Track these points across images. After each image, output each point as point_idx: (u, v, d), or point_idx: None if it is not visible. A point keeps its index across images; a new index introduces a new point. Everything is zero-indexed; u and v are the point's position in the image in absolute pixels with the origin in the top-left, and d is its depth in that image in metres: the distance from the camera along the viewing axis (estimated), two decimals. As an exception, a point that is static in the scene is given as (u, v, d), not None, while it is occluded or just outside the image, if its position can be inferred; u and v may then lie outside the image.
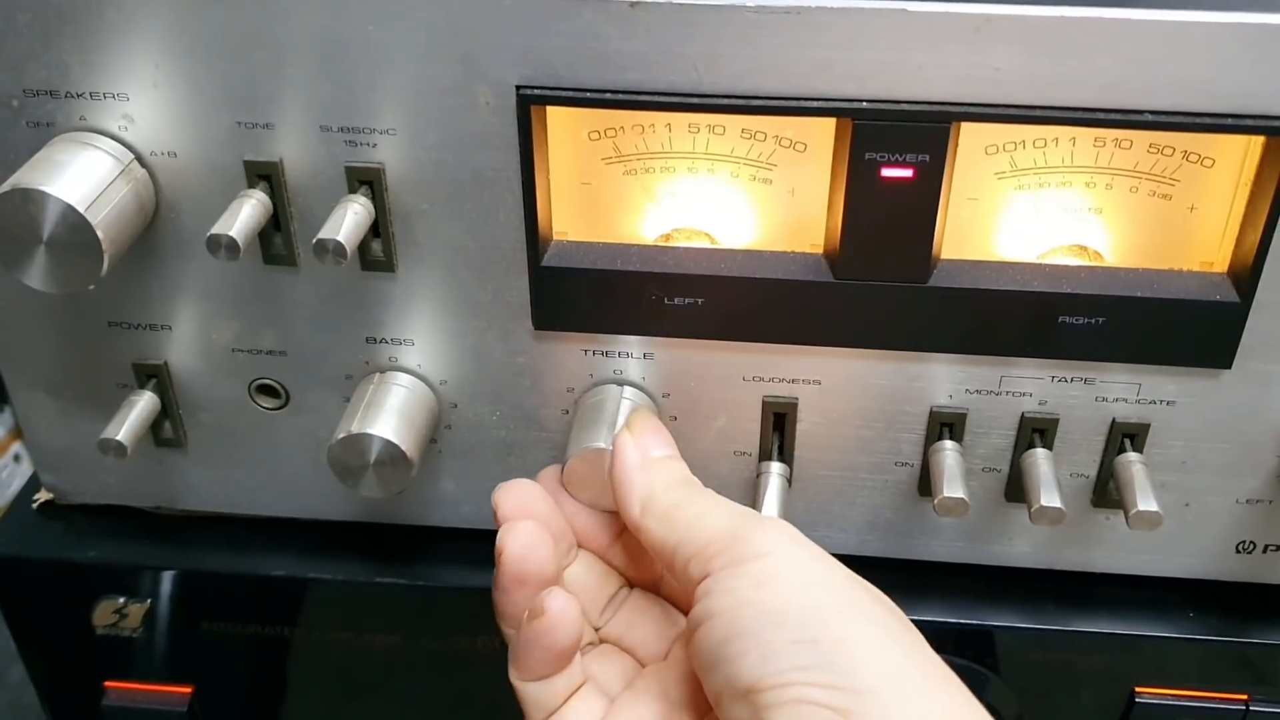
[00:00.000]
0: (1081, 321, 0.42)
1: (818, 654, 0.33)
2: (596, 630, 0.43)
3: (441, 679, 0.53)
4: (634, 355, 0.45)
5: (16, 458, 1.22)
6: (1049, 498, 0.42)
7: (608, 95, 0.39)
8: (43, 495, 0.53)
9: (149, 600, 0.52)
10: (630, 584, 0.44)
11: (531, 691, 0.40)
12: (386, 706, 0.54)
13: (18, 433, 1.22)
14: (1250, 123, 0.38)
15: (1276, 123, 0.38)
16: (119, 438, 0.45)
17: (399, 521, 0.51)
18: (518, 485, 0.42)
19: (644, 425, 0.42)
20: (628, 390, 0.45)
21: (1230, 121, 0.38)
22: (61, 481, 0.52)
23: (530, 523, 0.40)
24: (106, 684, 0.55)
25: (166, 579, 0.51)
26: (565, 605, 0.39)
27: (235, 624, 0.52)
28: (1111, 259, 0.43)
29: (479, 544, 0.50)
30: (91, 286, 0.41)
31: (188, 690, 0.55)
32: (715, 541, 0.37)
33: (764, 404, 0.46)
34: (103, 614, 0.52)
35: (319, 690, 0.55)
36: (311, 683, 0.54)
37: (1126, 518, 0.43)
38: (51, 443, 0.50)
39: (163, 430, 0.49)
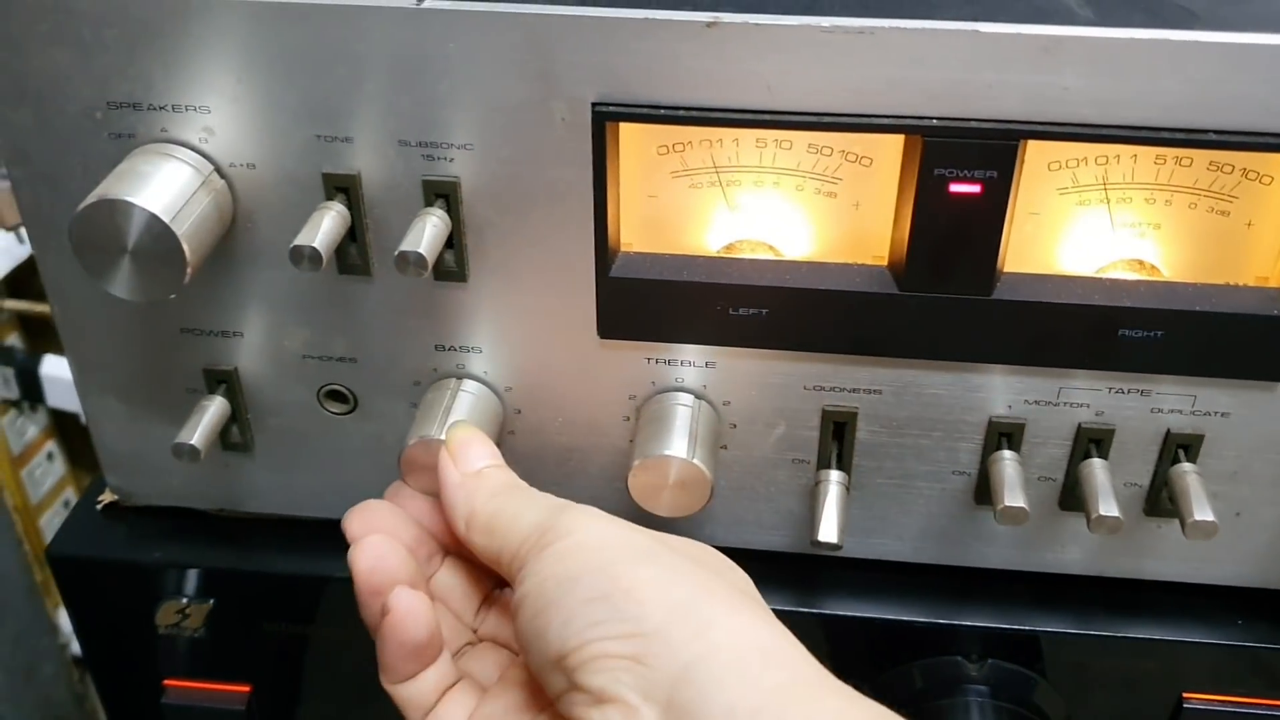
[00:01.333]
0: (1140, 334, 0.43)
1: (609, 607, 0.34)
2: (475, 631, 0.44)
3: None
4: (695, 364, 0.46)
5: (50, 455, 1.23)
6: (1107, 507, 0.43)
7: (681, 112, 0.40)
8: (107, 497, 0.54)
9: (211, 601, 0.53)
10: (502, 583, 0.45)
11: (403, 693, 0.41)
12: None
13: (52, 430, 1.23)
14: (1312, 142, 0.39)
15: (1337, 142, 0.39)
16: (193, 442, 0.46)
17: (459, 525, 0.52)
18: (363, 507, 0.43)
19: (461, 439, 0.43)
20: (688, 397, 0.46)
21: (1291, 139, 0.39)
22: (127, 483, 0.53)
23: (377, 536, 0.41)
24: (166, 682, 0.56)
25: (230, 580, 0.52)
26: (411, 601, 0.39)
27: (295, 624, 0.53)
28: (1169, 274, 0.44)
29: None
30: (173, 295, 0.42)
31: (246, 689, 0.55)
32: (529, 537, 0.38)
33: (824, 413, 0.47)
34: (165, 614, 0.53)
35: (374, 690, 0.56)
36: (367, 683, 0.55)
37: (1183, 527, 0.43)
38: (120, 445, 0.51)
39: (230, 434, 0.50)
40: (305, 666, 0.55)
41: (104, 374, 0.49)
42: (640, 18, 0.39)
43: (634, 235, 0.45)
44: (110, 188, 0.40)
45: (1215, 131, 0.39)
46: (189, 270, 0.41)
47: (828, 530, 0.46)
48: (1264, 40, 0.38)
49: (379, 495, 0.50)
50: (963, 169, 0.40)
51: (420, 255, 0.40)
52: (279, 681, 0.55)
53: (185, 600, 0.53)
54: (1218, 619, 0.50)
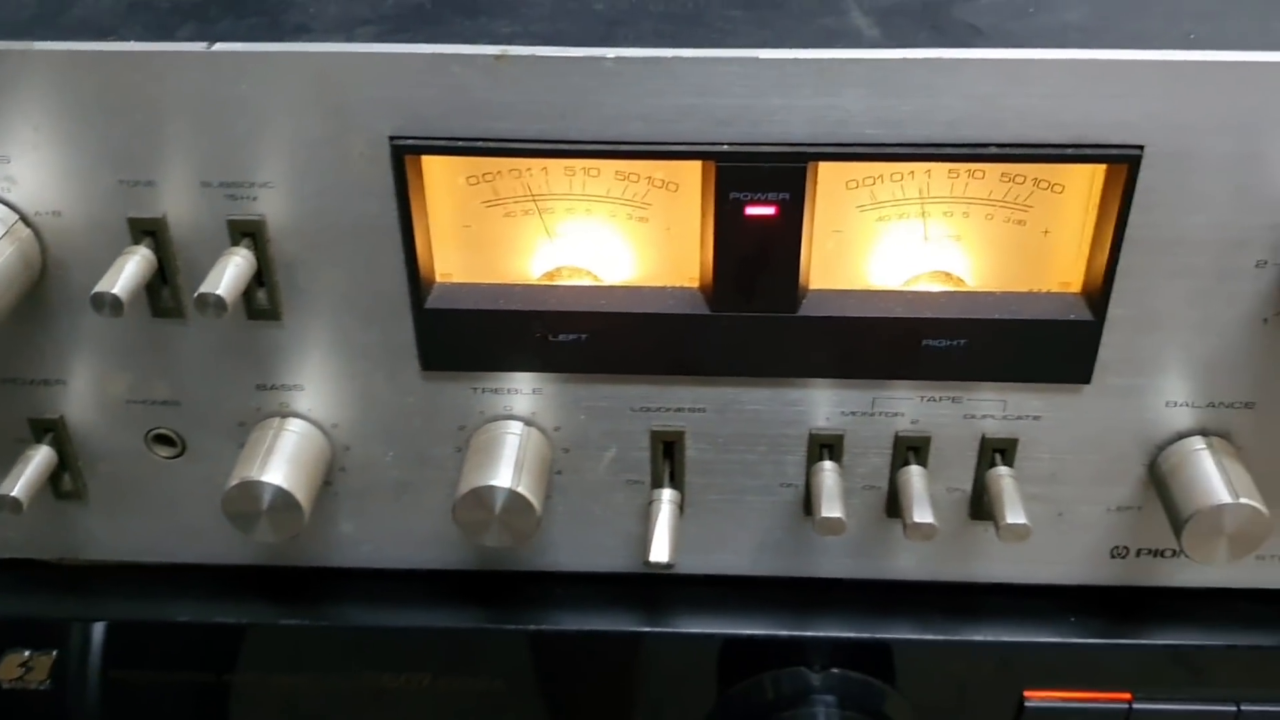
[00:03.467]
0: (944, 344, 0.44)
1: None
2: None
3: (349, 716, 0.53)
4: (523, 391, 0.47)
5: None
6: (921, 514, 0.44)
7: (479, 144, 0.41)
8: (-56, 552, 0.53)
9: (55, 651, 0.52)
10: None
11: None
12: (299, 746, 0.55)
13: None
14: (1089, 151, 0.40)
15: (1113, 151, 0.40)
16: (14, 494, 0.46)
17: (300, 564, 0.52)
18: None
19: None
20: (517, 425, 0.47)
21: (1071, 151, 0.40)
22: (-38, 537, 0.52)
23: None
24: (16, 739, 0.55)
25: (72, 629, 0.52)
26: None
27: (143, 671, 0.53)
28: (974, 283, 0.45)
29: (380, 583, 0.52)
30: (-22, 345, 0.41)
31: (98, 740, 0.55)
32: None
33: (652, 433, 0.47)
34: (8, 667, 0.52)
35: (231, 733, 0.55)
36: (223, 726, 0.55)
37: (997, 530, 0.44)
38: (-50, 499, 0.50)
39: (62, 482, 0.49)
40: (157, 714, 0.54)
41: (-73, 427, 0.48)
42: (429, 52, 0.39)
43: (452, 265, 0.45)
44: (-98, 241, 0.40)
45: (997, 145, 0.40)
46: (-6, 318, 0.41)
47: (659, 551, 0.46)
48: (1040, 55, 0.39)
49: (214, 538, 0.51)
50: (756, 192, 0.41)
51: (219, 297, 0.40)
52: (132, 730, 0.55)
53: (28, 653, 0.52)
54: (1051, 618, 0.51)
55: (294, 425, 0.47)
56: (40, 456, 0.47)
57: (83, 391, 0.47)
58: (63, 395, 0.47)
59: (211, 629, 0.51)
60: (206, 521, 0.50)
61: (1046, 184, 0.43)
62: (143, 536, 0.51)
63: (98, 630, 0.52)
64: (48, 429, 0.48)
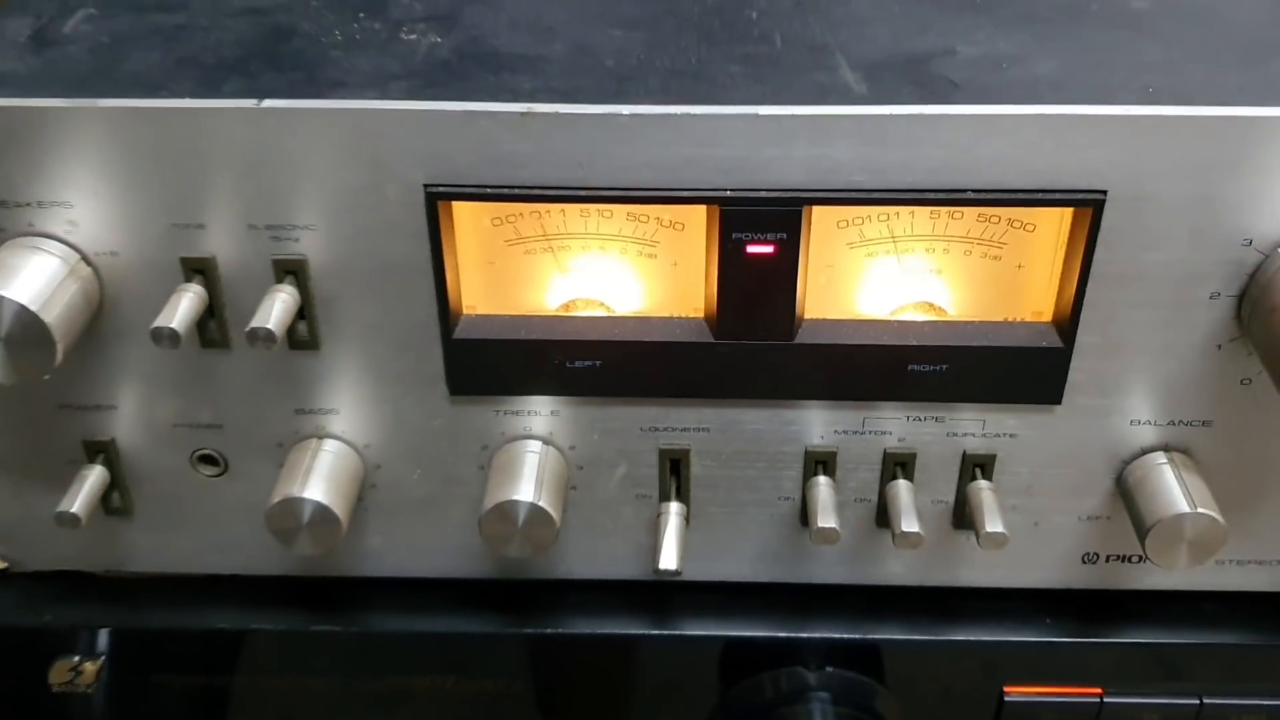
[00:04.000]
0: (928, 369, 0.48)
1: None
2: None
3: (380, 717, 0.57)
4: (541, 413, 0.50)
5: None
6: (909, 524, 0.48)
7: (504, 190, 0.45)
8: (-3, 565, 0.57)
9: (102, 657, 0.56)
10: None
11: None
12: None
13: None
14: (1058, 196, 0.44)
15: (1079, 195, 0.44)
16: (74, 510, 0.49)
17: (332, 574, 0.55)
18: None
19: None
20: (536, 444, 0.51)
21: (1040, 196, 0.44)
22: (16, 551, 0.55)
23: None
24: (62, 740, 0.58)
25: (118, 636, 0.55)
26: None
27: (183, 675, 0.56)
28: (954, 312, 0.49)
29: (405, 591, 0.56)
30: (46, 376, 0.45)
31: (141, 742, 0.58)
32: None
33: (660, 452, 0.51)
34: (59, 673, 0.56)
35: (265, 733, 0.59)
36: (257, 726, 0.59)
37: (977, 538, 0.49)
38: (7, 515, 0.54)
39: (111, 500, 0.53)
40: (195, 717, 0.58)
41: (-13, 450, 0.52)
42: (461, 109, 0.43)
43: (477, 299, 0.49)
44: (-21, 282, 0.43)
45: (974, 190, 0.44)
46: (59, 353, 0.44)
47: (667, 560, 0.50)
48: (1012, 111, 0.43)
49: (252, 550, 0.54)
50: (756, 232, 0.45)
51: (269, 330, 0.44)
52: (172, 731, 0.58)
53: (77, 659, 0.56)
54: (1029, 619, 0.55)
55: (330, 446, 0.50)
56: (94, 475, 0.51)
57: (133, 416, 0.51)
58: (114, 419, 0.51)
59: (248, 635, 0.55)
60: (245, 535, 0.54)
61: (1020, 223, 0.47)
62: (185, 549, 0.55)
63: (142, 637, 0.56)
64: (100, 450, 0.51)
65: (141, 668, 0.56)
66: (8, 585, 0.57)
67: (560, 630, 0.54)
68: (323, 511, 0.48)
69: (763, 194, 0.44)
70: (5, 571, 0.57)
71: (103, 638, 0.56)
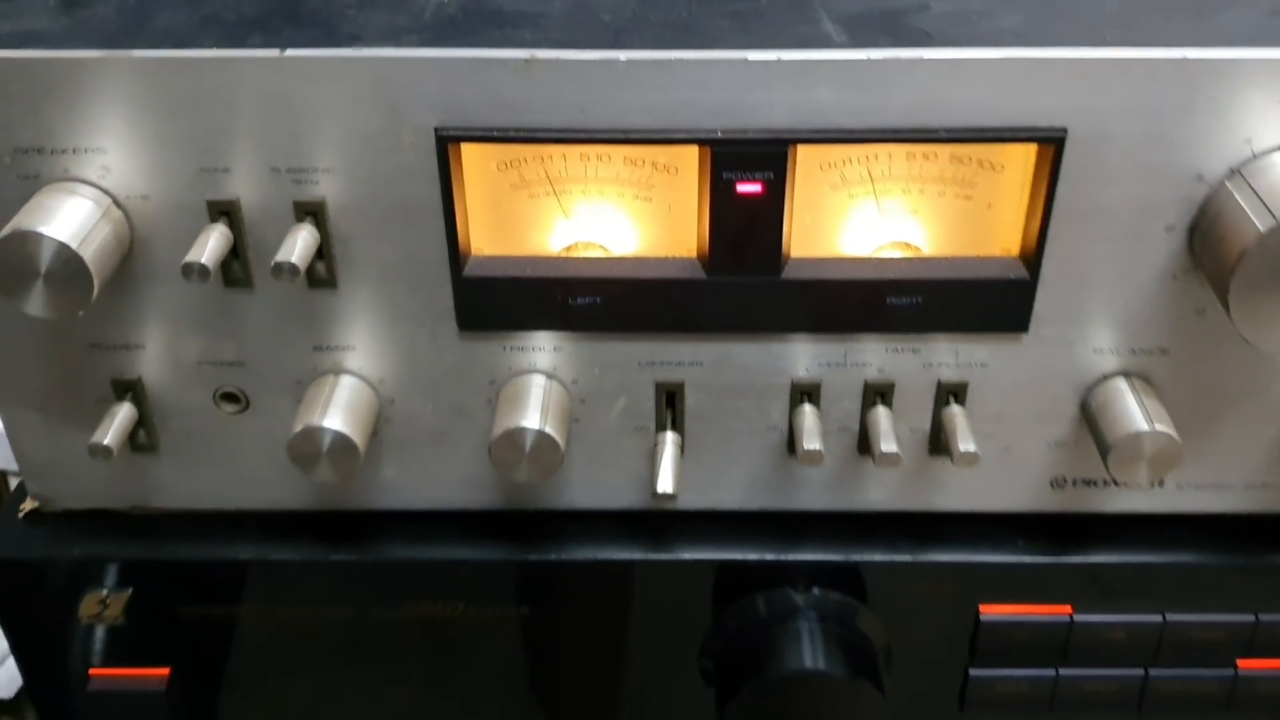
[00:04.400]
0: (905, 301, 0.51)
1: None
2: None
3: (392, 643, 0.60)
4: (545, 349, 0.54)
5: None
6: (888, 445, 0.52)
7: (510, 133, 0.48)
8: (28, 505, 0.60)
9: (129, 589, 0.59)
10: None
11: None
12: (345, 672, 0.62)
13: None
14: (1023, 134, 0.48)
15: (1041, 133, 0.48)
16: (106, 441, 0.52)
17: (347, 507, 0.59)
18: None
19: None
20: (541, 378, 0.54)
21: (1007, 134, 0.48)
22: (46, 489, 0.59)
23: None
24: (91, 671, 0.61)
25: (143, 569, 0.58)
26: None
27: (207, 606, 0.59)
28: (928, 250, 0.52)
29: (418, 523, 0.59)
30: (81, 312, 0.48)
31: (165, 672, 0.62)
32: None
33: (656, 385, 0.55)
34: (88, 606, 0.59)
35: (282, 662, 0.62)
36: (275, 656, 0.62)
37: (952, 458, 0.52)
38: (38, 454, 0.57)
39: (138, 437, 0.56)
40: (219, 646, 0.61)
41: (22, 390, 0.55)
42: (470, 56, 0.47)
43: (484, 241, 0.53)
44: (23, 221, 0.46)
45: (946, 130, 0.48)
46: (95, 289, 0.47)
47: (664, 483, 0.53)
48: (981, 55, 0.47)
49: (272, 485, 0.57)
50: (745, 171, 0.48)
51: (293, 264, 0.47)
52: (195, 662, 0.62)
53: (105, 591, 0.59)
54: (1002, 541, 0.58)
55: (346, 381, 0.54)
56: (124, 412, 0.54)
57: (159, 355, 0.54)
58: (141, 358, 0.54)
59: (269, 565, 0.58)
60: (265, 470, 0.57)
61: (989, 164, 0.51)
62: (208, 485, 0.58)
63: (167, 569, 0.59)
64: (128, 389, 0.55)
65: (166, 599, 0.59)
66: (38, 524, 0.60)
67: (564, 557, 0.58)
68: (342, 440, 0.51)
69: (751, 135, 0.47)
70: (36, 511, 0.60)
71: (129, 571, 0.59)
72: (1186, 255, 0.50)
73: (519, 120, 0.48)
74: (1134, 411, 0.52)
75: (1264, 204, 0.46)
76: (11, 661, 1.10)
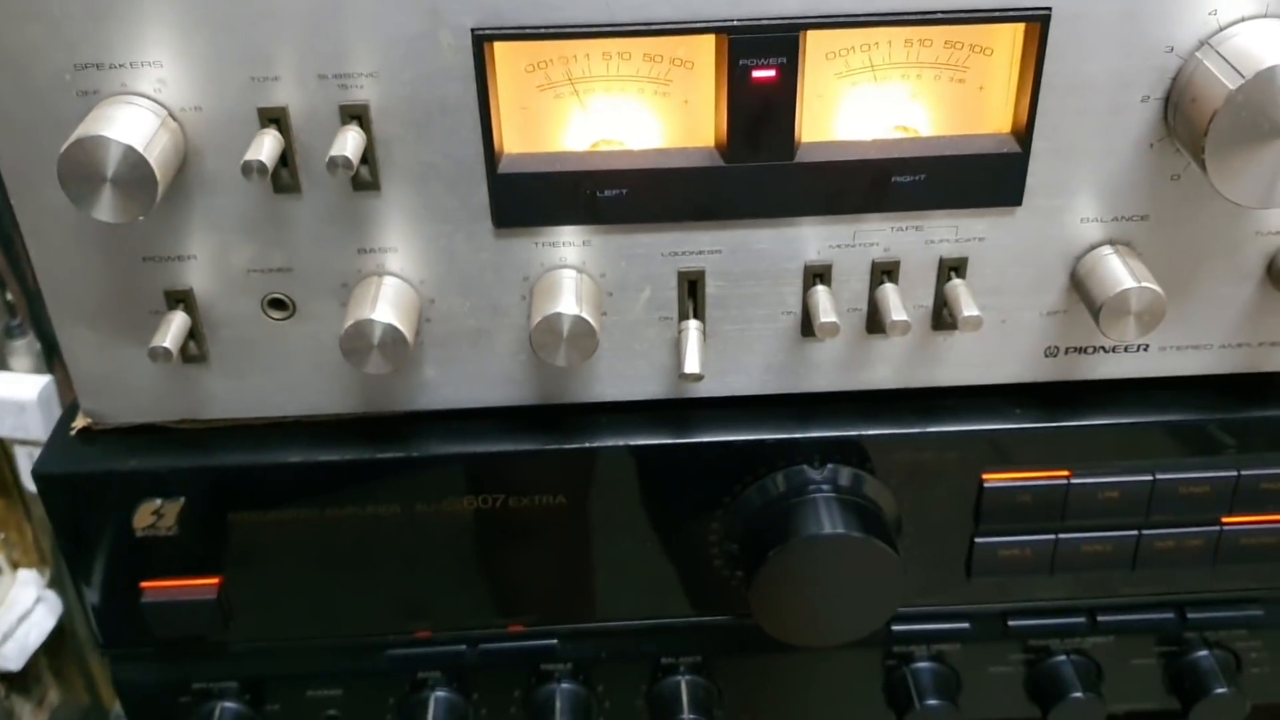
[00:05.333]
0: (909, 179, 0.56)
1: None
2: None
3: (437, 538, 0.64)
4: (574, 244, 0.57)
5: None
6: (898, 314, 0.56)
7: (542, 30, 0.52)
8: (80, 422, 0.62)
9: (182, 498, 0.62)
10: None
11: None
12: (391, 572, 0.65)
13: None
14: (1012, 14, 0.52)
15: (1028, 13, 0.52)
16: (166, 344, 0.55)
17: (391, 410, 0.62)
18: None
19: None
20: (569, 271, 0.58)
21: (998, 14, 0.52)
22: (99, 405, 0.61)
23: None
24: (143, 584, 0.64)
25: (196, 477, 0.61)
26: None
27: (258, 512, 0.63)
28: (928, 131, 0.57)
29: (459, 421, 0.62)
30: (143, 217, 0.51)
31: (216, 581, 0.65)
32: None
33: (679, 274, 0.59)
34: (142, 516, 0.62)
35: (328, 565, 0.65)
36: (323, 556, 0.65)
37: (957, 324, 0.57)
38: (92, 370, 0.60)
39: (188, 348, 0.59)
40: (268, 552, 0.64)
41: (76, 306, 0.58)
42: (503, -40, 0.50)
43: (514, 142, 0.56)
44: (89, 128, 0.49)
45: (942, 11, 0.52)
46: (159, 193, 0.50)
47: (690, 364, 0.57)
48: (969, -56, 0.51)
49: (320, 390, 0.61)
50: (760, 58, 0.52)
51: (347, 158, 0.50)
52: (245, 569, 0.64)
53: (159, 501, 0.62)
54: (1000, 410, 0.63)
55: (389, 282, 0.57)
56: (178, 320, 0.57)
57: (210, 265, 0.57)
58: (193, 269, 0.57)
59: (317, 467, 0.61)
60: (312, 376, 0.60)
61: (980, 49, 0.55)
62: (256, 393, 0.61)
63: (218, 477, 0.62)
64: (180, 299, 0.58)
65: (218, 507, 0.62)
66: (91, 441, 0.62)
67: (597, 443, 0.61)
68: (392, 332, 0.55)
69: (765, 22, 0.52)
70: (87, 429, 0.62)
71: (181, 480, 0.61)
72: (1161, 125, 0.55)
73: (550, 18, 0.51)
74: (1120, 271, 0.56)
75: (1231, 66, 0.51)
76: (20, 632, 1.12)
